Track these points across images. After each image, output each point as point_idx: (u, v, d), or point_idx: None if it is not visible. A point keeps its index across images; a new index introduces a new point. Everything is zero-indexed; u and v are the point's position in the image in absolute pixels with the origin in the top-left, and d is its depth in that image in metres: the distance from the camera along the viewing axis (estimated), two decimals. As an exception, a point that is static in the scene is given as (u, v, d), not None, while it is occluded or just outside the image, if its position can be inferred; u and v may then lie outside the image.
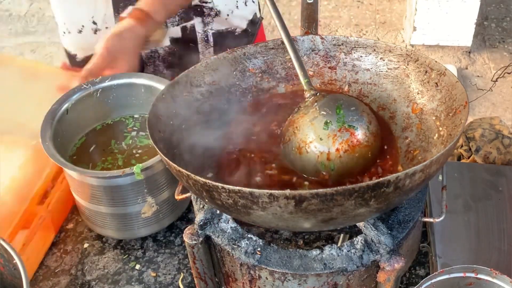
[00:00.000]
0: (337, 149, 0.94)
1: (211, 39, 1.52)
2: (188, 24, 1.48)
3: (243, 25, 1.57)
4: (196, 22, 1.49)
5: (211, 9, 1.49)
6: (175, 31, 1.49)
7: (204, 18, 1.50)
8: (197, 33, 1.50)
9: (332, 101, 0.98)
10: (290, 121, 1.00)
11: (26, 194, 1.21)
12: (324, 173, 0.96)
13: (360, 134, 0.94)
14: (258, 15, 1.64)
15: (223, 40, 1.54)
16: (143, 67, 1.54)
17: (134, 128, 1.33)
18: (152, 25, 1.37)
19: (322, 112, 0.95)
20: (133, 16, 1.35)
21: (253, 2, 1.59)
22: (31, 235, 1.19)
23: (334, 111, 0.95)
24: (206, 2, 1.49)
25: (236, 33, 1.56)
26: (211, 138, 1.07)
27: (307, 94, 1.02)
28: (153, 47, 1.49)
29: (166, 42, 1.51)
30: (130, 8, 1.39)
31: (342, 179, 0.96)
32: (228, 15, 1.53)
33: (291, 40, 1.05)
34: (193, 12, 1.48)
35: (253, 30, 1.60)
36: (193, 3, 1.46)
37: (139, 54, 1.39)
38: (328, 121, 0.94)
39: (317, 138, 0.94)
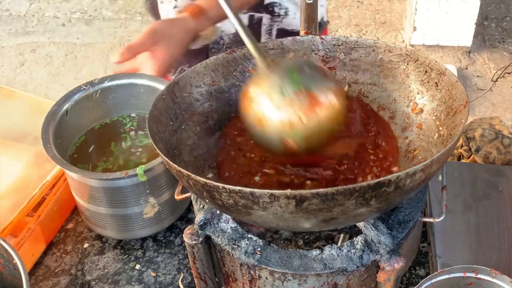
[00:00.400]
0: (298, 115, 0.88)
1: (274, 33, 1.53)
2: (256, 15, 1.50)
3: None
4: (265, 17, 1.51)
5: (280, 6, 1.52)
6: (243, 18, 1.49)
7: (274, 17, 1.52)
8: (262, 25, 1.51)
9: (284, 65, 0.93)
10: (244, 92, 0.95)
11: (20, 203, 1.21)
12: (290, 143, 0.90)
13: (319, 95, 0.89)
14: (325, 19, 1.64)
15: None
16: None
17: (132, 127, 1.33)
18: (205, 21, 1.39)
19: (275, 78, 0.91)
20: (189, 10, 1.38)
21: (322, 5, 1.59)
22: (18, 245, 1.18)
23: (287, 75, 0.90)
24: (276, 2, 1.51)
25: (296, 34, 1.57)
26: (211, 139, 1.07)
27: (258, 62, 0.96)
28: (202, 43, 1.49)
29: (232, 30, 1.51)
30: (188, 2, 1.42)
31: (313, 149, 0.93)
32: (295, 13, 1.54)
33: (231, 7, 0.99)
34: (263, 9, 1.49)
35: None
36: (266, 1, 1.49)
37: (185, 47, 1.39)
38: (283, 86, 0.89)
39: (274, 107, 0.89)
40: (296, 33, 1.53)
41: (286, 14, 1.54)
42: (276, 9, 1.52)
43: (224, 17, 1.43)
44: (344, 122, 0.95)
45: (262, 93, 0.91)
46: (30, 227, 1.21)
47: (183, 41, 1.36)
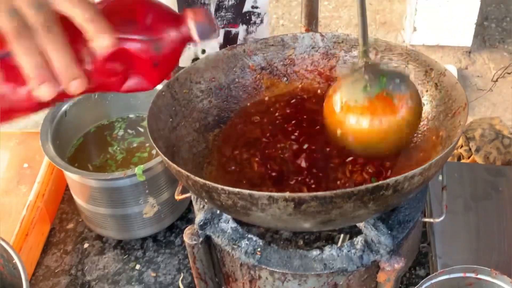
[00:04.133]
0: (370, 115, 0.90)
1: None
2: (233, 30, 1.47)
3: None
4: (241, 30, 1.48)
5: (258, 15, 1.47)
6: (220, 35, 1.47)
7: (249, 26, 1.48)
8: (238, 41, 1.49)
9: (380, 69, 0.95)
10: (337, 80, 0.98)
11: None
12: (352, 137, 0.92)
13: (397, 105, 0.90)
14: None
15: None
16: None
17: (120, 131, 1.33)
18: None
19: (365, 76, 0.92)
20: None
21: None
22: (32, 223, 1.22)
23: (378, 77, 0.91)
24: (256, 8, 1.46)
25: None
26: (210, 135, 1.07)
27: (360, 61, 0.97)
28: None
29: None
30: None
31: (369, 150, 0.93)
32: (269, 23, 1.52)
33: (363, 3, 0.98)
34: (241, 20, 1.47)
35: None
36: (245, 9, 1.44)
37: None
38: (368, 85, 0.91)
39: (352, 99, 0.91)
40: None
41: (262, 21, 1.48)
42: (253, 17, 1.46)
43: None
44: (409, 140, 0.96)
45: (349, 85, 0.92)
46: (38, 206, 1.24)
47: None
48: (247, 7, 1.45)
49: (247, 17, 1.46)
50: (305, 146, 1.03)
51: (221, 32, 1.47)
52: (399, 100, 0.90)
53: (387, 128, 0.90)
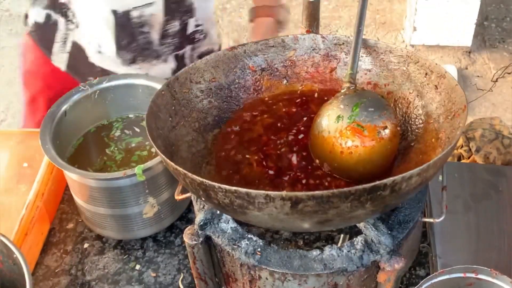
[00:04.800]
0: (341, 145, 0.94)
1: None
2: (181, 52, 1.48)
3: (219, 41, 1.59)
4: (187, 49, 1.49)
5: (201, 32, 1.49)
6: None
7: (195, 44, 1.50)
8: (185, 60, 1.51)
9: (356, 97, 0.98)
10: (322, 105, 1.02)
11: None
12: (326, 164, 0.97)
13: (367, 135, 0.93)
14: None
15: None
16: None
17: (117, 131, 1.33)
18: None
19: (340, 106, 0.96)
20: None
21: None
22: (31, 223, 1.22)
23: (351, 107, 0.95)
24: (199, 25, 1.48)
25: (214, 51, 1.55)
26: (209, 135, 1.07)
27: (344, 86, 1.03)
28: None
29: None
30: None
31: (343, 176, 0.97)
32: (212, 35, 1.54)
33: (360, 31, 1.06)
34: (187, 41, 1.48)
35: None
36: (189, 31, 1.46)
37: None
38: (341, 115, 0.95)
39: (326, 129, 0.96)
40: (212, 51, 1.52)
41: (205, 37, 1.50)
42: (197, 35, 1.48)
43: None
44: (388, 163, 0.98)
45: (326, 114, 0.97)
46: (38, 205, 1.24)
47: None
48: (191, 29, 1.46)
49: (192, 38, 1.48)
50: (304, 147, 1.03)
51: (171, 58, 1.47)
52: (370, 131, 0.93)
53: (357, 158, 0.94)
